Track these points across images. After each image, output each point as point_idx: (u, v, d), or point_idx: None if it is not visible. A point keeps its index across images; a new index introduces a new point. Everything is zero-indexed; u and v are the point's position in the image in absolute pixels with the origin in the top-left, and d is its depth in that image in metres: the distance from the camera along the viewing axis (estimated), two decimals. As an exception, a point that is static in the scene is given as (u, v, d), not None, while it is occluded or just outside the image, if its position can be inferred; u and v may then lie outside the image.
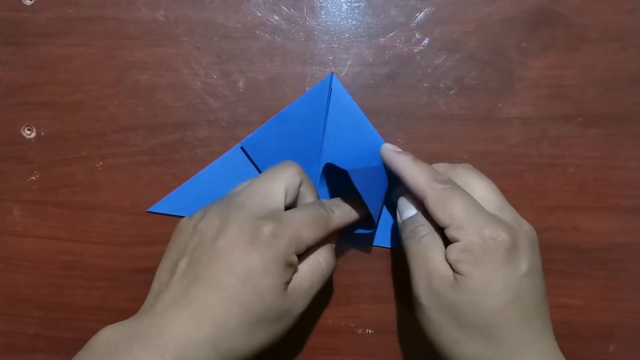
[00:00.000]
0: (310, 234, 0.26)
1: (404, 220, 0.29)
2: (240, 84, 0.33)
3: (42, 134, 0.34)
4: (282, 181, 0.27)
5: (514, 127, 0.33)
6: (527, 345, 0.25)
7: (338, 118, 0.32)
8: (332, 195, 0.33)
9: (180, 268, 0.25)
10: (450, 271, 0.26)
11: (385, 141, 0.33)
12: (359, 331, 0.34)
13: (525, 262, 0.25)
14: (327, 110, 0.32)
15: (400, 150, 0.31)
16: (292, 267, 0.26)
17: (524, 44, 0.33)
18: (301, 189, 0.29)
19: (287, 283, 0.26)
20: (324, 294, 0.34)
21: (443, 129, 0.33)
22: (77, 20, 0.33)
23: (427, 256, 0.27)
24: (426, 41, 0.33)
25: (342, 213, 0.29)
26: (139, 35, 0.33)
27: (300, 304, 0.27)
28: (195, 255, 0.25)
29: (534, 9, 0.32)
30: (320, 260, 0.28)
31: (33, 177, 0.34)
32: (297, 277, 0.27)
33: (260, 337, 0.25)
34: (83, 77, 0.33)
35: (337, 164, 0.30)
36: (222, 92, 0.33)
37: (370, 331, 0.34)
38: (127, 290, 0.34)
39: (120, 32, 0.33)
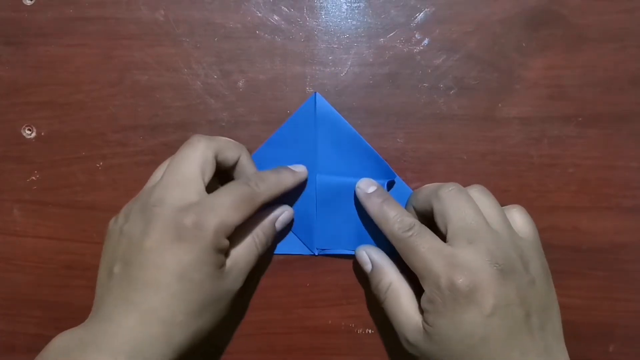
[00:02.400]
0: (236, 215, 0.26)
1: (368, 274, 0.31)
2: (240, 84, 0.33)
3: (42, 134, 0.34)
4: (194, 163, 0.27)
5: (514, 127, 0.33)
6: None
7: (328, 135, 0.32)
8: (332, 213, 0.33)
9: (115, 273, 0.25)
10: (420, 321, 0.27)
11: (384, 141, 0.33)
12: (359, 331, 0.34)
13: (490, 300, 0.25)
14: (315, 129, 0.32)
15: (372, 189, 0.30)
16: (223, 251, 0.26)
17: (524, 44, 0.33)
18: (241, 160, 0.29)
19: (223, 265, 0.27)
20: (323, 294, 0.34)
21: (443, 129, 0.33)
22: (77, 20, 0.33)
23: (395, 311, 0.28)
24: (426, 41, 0.33)
25: (268, 186, 0.28)
26: (139, 35, 0.33)
27: (238, 282, 0.28)
28: (127, 259, 0.25)
29: (534, 9, 0.33)
30: (255, 240, 0.29)
31: (33, 177, 0.34)
32: (231, 258, 0.27)
33: (207, 320, 0.26)
34: (83, 77, 0.33)
35: (333, 179, 0.32)
36: (222, 92, 0.33)
37: (370, 331, 0.34)
38: (127, 290, 0.34)
39: (120, 32, 0.33)
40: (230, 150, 0.29)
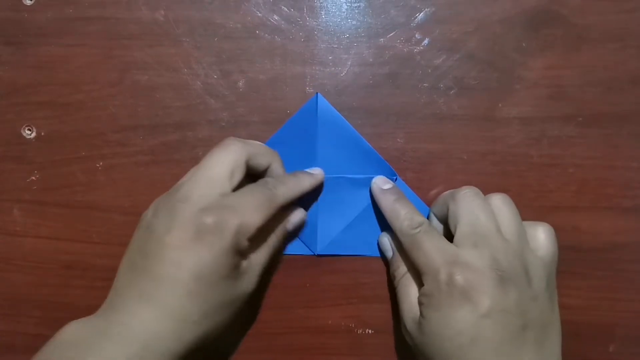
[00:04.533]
0: (256, 217, 0.26)
1: (388, 260, 0.32)
2: (240, 84, 0.33)
3: (42, 134, 0.34)
4: (224, 164, 0.27)
5: (514, 127, 0.33)
6: None
7: (328, 135, 0.32)
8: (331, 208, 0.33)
9: (136, 264, 0.26)
10: (418, 313, 0.27)
11: (384, 141, 0.33)
12: (359, 331, 0.34)
13: (486, 301, 0.25)
14: (316, 130, 0.32)
15: (387, 186, 0.31)
16: (242, 253, 0.26)
17: (524, 44, 0.33)
18: (273, 167, 0.30)
19: (239, 267, 0.26)
20: (323, 294, 0.34)
21: (443, 129, 0.33)
22: (77, 20, 0.33)
23: (401, 298, 0.29)
24: (426, 41, 0.33)
25: (286, 189, 0.29)
26: (139, 35, 0.33)
27: (251, 284, 0.28)
28: (147, 252, 0.25)
29: (534, 9, 0.33)
30: (268, 242, 0.29)
31: (33, 177, 0.34)
32: (248, 261, 0.27)
33: (219, 321, 0.26)
34: (83, 77, 0.33)
35: (334, 179, 0.32)
36: (222, 92, 0.33)
37: (370, 331, 0.34)
38: (127, 290, 0.34)
39: (120, 32, 0.33)
40: (263, 156, 0.29)
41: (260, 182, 0.28)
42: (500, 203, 0.28)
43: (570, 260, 0.33)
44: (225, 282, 0.25)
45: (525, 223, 0.29)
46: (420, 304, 0.27)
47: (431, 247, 0.27)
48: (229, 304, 0.26)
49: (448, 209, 0.29)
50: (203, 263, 0.25)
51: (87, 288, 0.34)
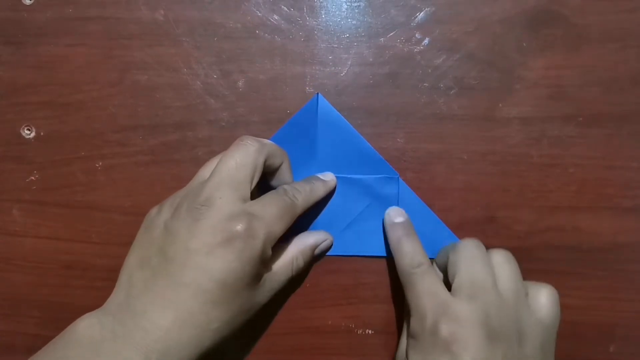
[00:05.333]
0: (280, 226, 0.27)
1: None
2: (240, 84, 0.33)
3: (42, 134, 0.34)
4: (246, 167, 0.27)
5: (514, 127, 0.33)
6: None
7: (329, 136, 0.32)
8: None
9: (153, 265, 0.25)
10: (405, 353, 0.28)
11: (385, 141, 0.33)
12: (359, 331, 0.34)
13: (466, 358, 0.24)
14: (316, 130, 0.32)
15: (399, 220, 0.31)
16: (266, 262, 0.26)
17: (524, 44, 0.33)
18: (282, 166, 0.29)
19: (261, 277, 0.27)
20: (323, 294, 0.34)
21: (443, 129, 0.33)
22: (77, 20, 0.33)
23: (401, 335, 0.30)
24: (426, 41, 0.33)
25: (304, 198, 0.29)
26: (139, 35, 0.33)
27: (266, 297, 0.28)
28: (169, 256, 0.25)
29: (534, 9, 0.32)
30: (293, 263, 0.29)
31: (33, 177, 0.34)
32: (269, 274, 0.27)
33: (235, 329, 0.26)
34: (83, 77, 0.33)
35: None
36: (222, 92, 0.33)
37: (370, 331, 0.34)
38: (127, 290, 0.34)
39: (120, 32, 0.33)
40: (277, 156, 0.29)
41: (280, 190, 0.28)
42: (502, 259, 0.28)
43: (570, 260, 0.33)
44: (247, 290, 0.25)
45: (528, 283, 0.28)
46: (407, 345, 0.28)
47: (423, 290, 0.27)
48: (246, 312, 0.26)
49: (448, 258, 0.29)
50: (230, 270, 0.24)
51: (87, 288, 0.34)
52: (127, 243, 0.34)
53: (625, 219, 0.33)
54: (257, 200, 0.27)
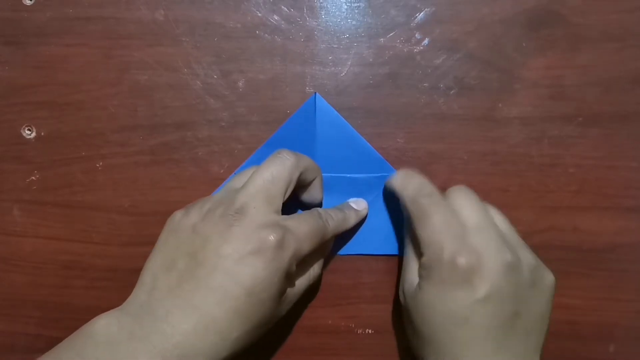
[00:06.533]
0: (309, 245, 0.27)
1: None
2: (240, 84, 0.33)
3: (42, 134, 0.34)
4: (282, 180, 0.27)
5: (514, 127, 0.33)
6: None
7: (327, 135, 0.32)
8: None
9: (179, 268, 0.25)
10: (416, 281, 0.27)
11: (385, 141, 0.33)
12: (359, 331, 0.34)
13: (485, 287, 0.25)
14: (315, 130, 0.32)
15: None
16: (290, 277, 0.26)
17: (524, 44, 0.33)
18: (315, 182, 0.30)
19: (285, 290, 0.26)
20: (323, 294, 0.34)
21: (443, 129, 0.33)
22: (76, 20, 0.33)
23: (406, 263, 0.29)
24: (426, 41, 0.33)
25: (336, 225, 0.29)
26: (139, 35, 0.33)
27: (286, 309, 0.28)
28: (198, 259, 0.25)
29: (534, 9, 0.32)
30: (311, 274, 0.29)
31: (33, 177, 0.34)
32: (292, 286, 0.28)
33: (254, 338, 0.26)
34: (83, 77, 0.33)
35: (333, 177, 0.32)
36: (222, 92, 0.33)
37: (370, 331, 0.34)
38: (127, 290, 0.34)
39: (120, 32, 0.33)
40: (311, 172, 0.29)
41: (314, 212, 0.28)
42: (500, 216, 0.29)
43: (570, 260, 0.33)
44: (270, 303, 0.25)
45: None
46: (419, 274, 0.27)
47: (439, 221, 0.26)
48: (265, 324, 0.26)
49: (450, 198, 0.28)
50: (257, 278, 0.24)
51: (87, 288, 0.34)
52: (127, 243, 0.34)
53: (625, 219, 0.33)
54: (291, 216, 0.27)
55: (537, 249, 0.33)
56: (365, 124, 0.33)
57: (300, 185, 0.29)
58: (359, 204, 0.32)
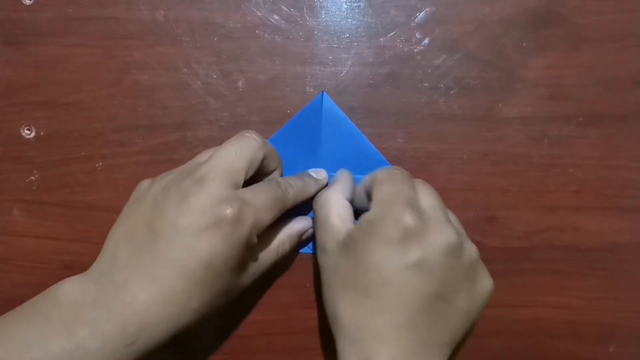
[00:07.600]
0: (269, 216, 0.27)
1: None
2: (240, 84, 0.33)
3: (42, 134, 0.34)
4: (244, 157, 0.27)
5: (514, 127, 0.33)
6: (376, 333, 0.24)
7: (332, 134, 0.32)
8: None
9: (138, 238, 0.25)
10: (345, 231, 0.26)
11: (385, 141, 0.33)
12: (359, 331, 0.34)
13: (417, 254, 0.24)
14: (320, 128, 0.32)
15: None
16: (251, 249, 0.27)
17: (524, 44, 0.33)
18: (275, 173, 0.30)
19: (246, 262, 0.27)
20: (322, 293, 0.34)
21: (443, 129, 0.33)
22: (76, 20, 0.33)
23: (325, 216, 0.28)
24: (426, 41, 0.33)
25: (296, 193, 0.29)
26: (139, 35, 0.33)
27: (249, 280, 0.28)
28: (155, 230, 0.25)
29: (534, 9, 0.32)
30: (279, 247, 0.30)
31: (33, 177, 0.34)
32: (254, 259, 0.28)
33: (213, 309, 0.26)
34: (83, 77, 0.33)
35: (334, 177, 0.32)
36: (222, 92, 0.33)
37: (370, 331, 0.34)
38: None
39: (120, 32, 0.33)
40: (274, 159, 0.29)
41: (272, 181, 0.29)
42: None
43: (570, 260, 0.33)
44: (230, 274, 0.26)
45: None
46: (357, 225, 0.26)
47: (399, 188, 0.26)
48: (228, 294, 0.27)
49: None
50: (215, 253, 0.24)
51: (87, 288, 0.34)
52: (127, 243, 0.34)
53: (625, 219, 0.33)
54: (249, 187, 0.27)
55: (537, 249, 0.33)
56: (365, 124, 0.33)
57: (261, 172, 0.29)
58: (318, 174, 0.32)
